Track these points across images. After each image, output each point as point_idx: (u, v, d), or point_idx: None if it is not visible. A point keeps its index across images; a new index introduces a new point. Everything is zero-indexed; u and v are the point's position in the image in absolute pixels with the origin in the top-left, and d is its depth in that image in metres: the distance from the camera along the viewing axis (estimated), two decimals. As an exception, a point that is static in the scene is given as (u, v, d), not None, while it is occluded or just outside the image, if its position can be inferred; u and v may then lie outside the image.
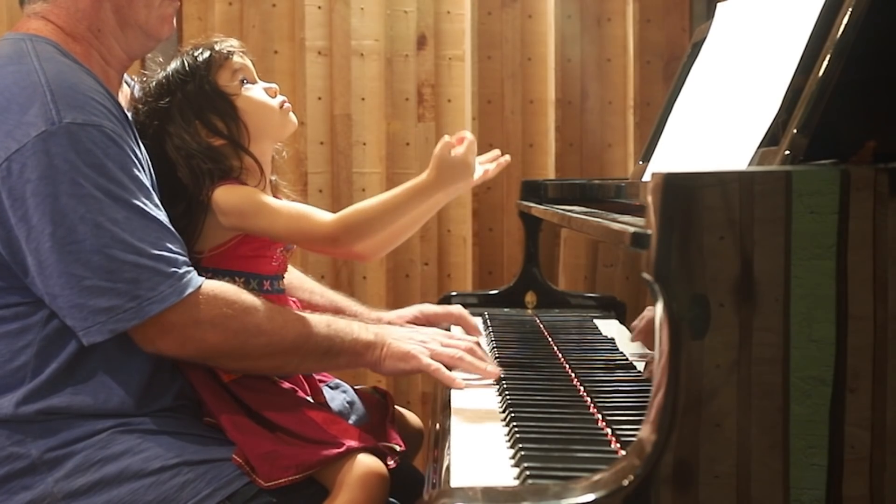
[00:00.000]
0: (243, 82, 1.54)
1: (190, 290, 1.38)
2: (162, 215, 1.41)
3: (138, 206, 1.37)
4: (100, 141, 1.36)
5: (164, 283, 1.36)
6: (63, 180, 1.33)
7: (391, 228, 1.50)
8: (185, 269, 1.39)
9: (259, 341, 1.42)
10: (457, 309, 1.87)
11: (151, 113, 1.51)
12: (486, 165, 1.62)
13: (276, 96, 1.57)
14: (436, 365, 1.48)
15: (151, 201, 1.40)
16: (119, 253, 1.35)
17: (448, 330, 1.76)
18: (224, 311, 1.40)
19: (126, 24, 1.49)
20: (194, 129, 1.50)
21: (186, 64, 1.53)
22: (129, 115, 1.49)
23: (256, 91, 1.55)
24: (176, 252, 1.40)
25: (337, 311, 1.78)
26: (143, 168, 1.43)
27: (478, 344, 1.57)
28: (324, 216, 1.48)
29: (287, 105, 1.57)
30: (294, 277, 1.81)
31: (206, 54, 1.53)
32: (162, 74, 1.54)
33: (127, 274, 1.35)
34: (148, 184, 1.42)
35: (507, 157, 1.66)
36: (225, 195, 1.48)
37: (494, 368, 1.49)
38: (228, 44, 1.56)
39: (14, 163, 1.34)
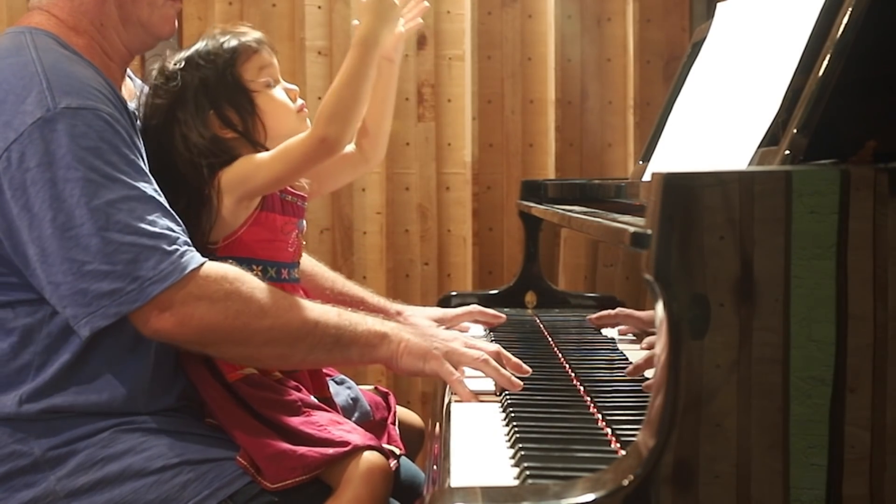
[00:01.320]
0: (268, 82, 1.52)
1: (192, 267, 1.35)
2: (160, 197, 1.39)
3: (136, 186, 1.36)
4: (95, 124, 1.35)
5: (165, 262, 1.34)
6: (60, 165, 1.33)
7: (365, 98, 1.48)
8: (185, 247, 1.37)
9: (262, 324, 1.38)
10: (472, 307, 1.89)
11: (164, 94, 1.48)
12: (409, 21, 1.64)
13: (296, 100, 1.55)
14: (456, 375, 1.40)
15: (149, 183, 1.39)
16: (116, 235, 1.33)
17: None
18: (225, 288, 1.37)
19: (128, 21, 1.49)
20: (207, 117, 1.48)
21: (211, 50, 1.50)
22: (132, 106, 1.49)
23: (279, 92, 1.54)
24: (177, 232, 1.38)
25: (359, 302, 1.79)
26: (140, 155, 1.42)
27: (499, 353, 1.44)
28: (305, 133, 1.47)
29: (305, 109, 1.56)
30: (315, 265, 1.82)
31: (234, 43, 1.50)
32: (182, 55, 1.51)
33: (125, 255, 1.33)
34: (145, 168, 1.41)
35: (425, 4, 1.68)
36: (225, 175, 1.47)
37: (517, 380, 1.38)
38: (257, 37, 1.53)
39: (13, 152, 1.34)
